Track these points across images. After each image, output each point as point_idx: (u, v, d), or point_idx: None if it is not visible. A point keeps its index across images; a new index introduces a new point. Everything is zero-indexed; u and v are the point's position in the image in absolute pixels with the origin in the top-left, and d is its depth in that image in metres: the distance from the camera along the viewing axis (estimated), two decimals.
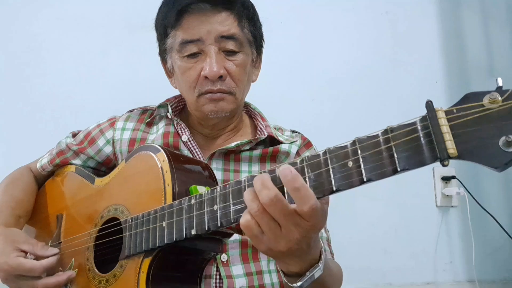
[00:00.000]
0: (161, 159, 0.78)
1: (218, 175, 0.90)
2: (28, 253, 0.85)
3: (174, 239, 0.67)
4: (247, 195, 0.55)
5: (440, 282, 1.62)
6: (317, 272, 0.61)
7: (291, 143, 0.97)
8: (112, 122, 1.03)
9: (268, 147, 0.96)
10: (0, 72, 1.47)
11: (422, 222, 1.63)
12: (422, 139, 0.44)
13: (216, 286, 0.83)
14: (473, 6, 1.86)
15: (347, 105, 1.64)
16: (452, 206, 1.68)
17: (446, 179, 1.66)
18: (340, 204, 1.39)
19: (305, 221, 0.54)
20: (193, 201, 0.66)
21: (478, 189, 1.67)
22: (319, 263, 0.61)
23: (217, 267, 0.84)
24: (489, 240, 1.66)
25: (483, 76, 1.79)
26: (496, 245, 1.67)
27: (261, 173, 0.57)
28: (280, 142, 0.96)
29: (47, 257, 0.85)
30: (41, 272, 0.83)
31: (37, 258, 0.85)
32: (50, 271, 0.87)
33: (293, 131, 1.05)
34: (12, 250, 0.83)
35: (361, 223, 1.57)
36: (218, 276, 0.84)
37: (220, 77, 0.86)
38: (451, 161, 1.47)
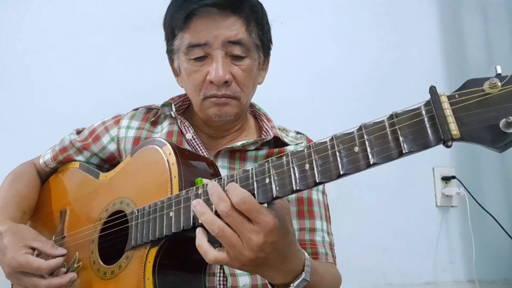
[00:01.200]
0: (167, 152, 0.79)
1: (224, 173, 0.91)
2: (36, 250, 0.85)
3: (182, 228, 0.67)
4: (206, 218, 0.60)
5: (440, 282, 1.62)
6: (301, 283, 0.64)
7: (297, 144, 0.98)
8: (117, 120, 1.03)
9: (274, 148, 0.96)
10: (2, 71, 1.47)
11: (422, 222, 1.64)
12: (426, 122, 0.46)
13: (220, 284, 0.84)
14: (473, 6, 1.87)
15: (347, 105, 1.64)
16: (452, 206, 1.69)
17: (446, 179, 1.67)
18: (340, 204, 1.40)
19: (255, 223, 0.58)
20: (200, 190, 0.66)
21: (478, 189, 1.68)
22: (302, 274, 0.64)
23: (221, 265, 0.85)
24: (489, 240, 1.66)
25: (483, 76, 1.80)
26: (496, 245, 1.68)
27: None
28: (285, 144, 0.97)
29: (56, 256, 0.85)
30: (47, 272, 0.83)
31: (44, 255, 0.85)
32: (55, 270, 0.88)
33: (298, 133, 1.05)
34: (21, 247, 0.83)
35: (361, 223, 1.56)
36: (222, 274, 0.84)
37: (226, 82, 0.86)
38: (451, 160, 1.47)
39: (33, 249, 0.85)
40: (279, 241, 0.59)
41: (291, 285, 0.64)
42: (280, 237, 0.59)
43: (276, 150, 0.95)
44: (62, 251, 0.87)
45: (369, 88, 1.68)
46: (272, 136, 0.96)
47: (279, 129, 1.02)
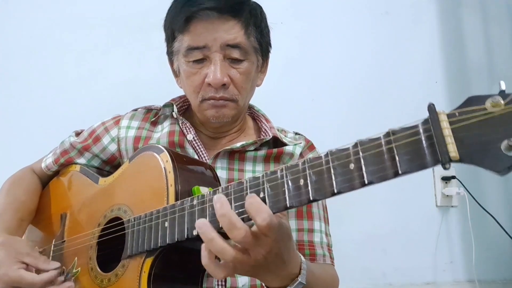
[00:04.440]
0: (164, 160, 0.78)
1: (223, 174, 0.92)
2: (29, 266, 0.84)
3: (176, 239, 0.67)
4: (215, 247, 0.57)
5: (440, 282, 1.62)
6: (297, 287, 0.64)
7: (295, 145, 0.98)
8: (116, 120, 1.03)
9: (273, 148, 0.96)
10: (1, 72, 1.47)
11: (422, 222, 1.64)
12: (424, 142, 0.44)
13: (218, 284, 0.84)
14: (473, 6, 1.86)
15: (347, 105, 1.64)
16: (452, 206, 1.68)
17: (446, 179, 1.67)
18: (340, 204, 1.39)
19: (265, 237, 0.56)
20: (195, 201, 0.66)
21: (478, 189, 1.67)
22: (298, 278, 0.64)
23: None
24: (489, 240, 1.66)
25: (483, 76, 1.80)
26: (496, 245, 1.67)
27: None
28: (284, 144, 0.97)
29: (48, 271, 0.84)
30: (41, 286, 0.82)
31: (38, 270, 0.85)
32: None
33: (296, 133, 1.06)
34: (14, 262, 0.83)
35: (361, 223, 1.57)
36: None
37: (224, 84, 0.87)
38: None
39: (26, 264, 0.84)
40: (282, 249, 0.60)
41: None
42: (283, 247, 0.59)
43: (275, 150, 0.96)
44: (55, 264, 0.86)
45: (369, 88, 1.67)
46: (271, 136, 0.96)
47: (278, 130, 1.02)
